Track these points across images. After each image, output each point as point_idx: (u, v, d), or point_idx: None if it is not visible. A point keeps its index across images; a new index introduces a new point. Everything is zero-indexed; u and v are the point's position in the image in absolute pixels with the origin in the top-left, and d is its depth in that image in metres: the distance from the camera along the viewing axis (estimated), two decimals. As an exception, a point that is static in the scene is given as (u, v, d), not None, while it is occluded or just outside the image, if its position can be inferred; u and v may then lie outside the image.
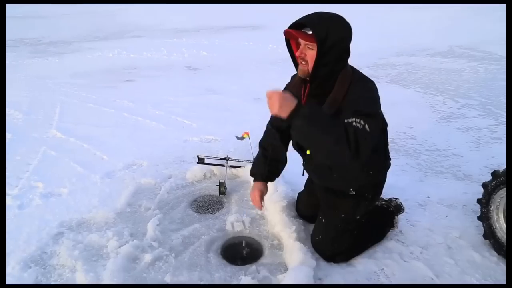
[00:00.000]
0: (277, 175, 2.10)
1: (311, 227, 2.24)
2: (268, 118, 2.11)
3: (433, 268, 1.95)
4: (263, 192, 1.99)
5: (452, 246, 2.09)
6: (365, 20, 11.92)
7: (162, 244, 2.08)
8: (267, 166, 1.99)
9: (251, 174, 2.08)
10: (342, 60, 1.63)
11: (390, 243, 2.13)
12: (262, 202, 1.98)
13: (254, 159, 2.14)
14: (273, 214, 2.29)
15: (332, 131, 1.40)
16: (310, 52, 1.57)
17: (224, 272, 1.92)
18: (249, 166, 2.81)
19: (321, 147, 1.48)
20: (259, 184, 2.01)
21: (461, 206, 2.44)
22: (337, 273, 1.92)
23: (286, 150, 2.09)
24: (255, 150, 2.88)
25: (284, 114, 1.39)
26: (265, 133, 2.12)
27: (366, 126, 1.42)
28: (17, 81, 5.70)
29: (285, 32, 1.61)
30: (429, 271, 1.93)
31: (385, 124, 1.82)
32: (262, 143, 2.10)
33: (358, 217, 1.97)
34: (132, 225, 2.23)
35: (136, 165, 2.97)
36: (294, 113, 1.39)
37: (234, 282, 1.85)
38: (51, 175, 2.78)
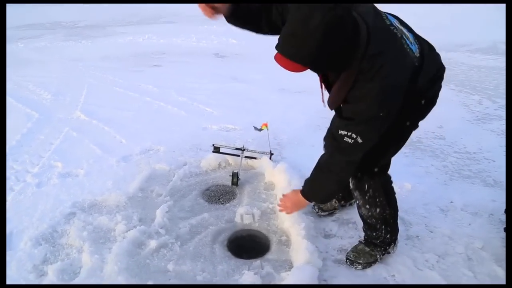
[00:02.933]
0: None
1: (322, 224, 2.17)
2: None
3: (448, 279, 1.83)
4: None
5: (473, 258, 1.95)
6: (400, 11, 11.36)
7: (169, 231, 2.08)
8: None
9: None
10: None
11: (404, 248, 2.02)
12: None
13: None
14: (284, 209, 2.23)
15: (329, 182, 1.64)
16: None
17: (227, 265, 1.89)
18: (265, 158, 2.78)
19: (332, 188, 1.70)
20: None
21: (487, 215, 2.27)
22: (344, 276, 1.84)
23: None
24: (273, 141, 2.81)
25: (304, 206, 1.82)
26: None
27: (358, 138, 1.41)
28: (50, 62, 5.92)
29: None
30: (443, 282, 1.81)
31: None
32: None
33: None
34: (142, 210, 2.25)
35: (152, 150, 2.97)
36: (306, 199, 1.74)
37: (236, 276, 1.82)
38: (71, 155, 2.85)
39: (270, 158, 2.75)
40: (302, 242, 1.92)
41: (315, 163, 1.69)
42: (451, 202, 2.41)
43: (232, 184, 2.52)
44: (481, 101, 4.28)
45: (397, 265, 1.90)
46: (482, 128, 3.56)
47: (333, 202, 2.25)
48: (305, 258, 1.81)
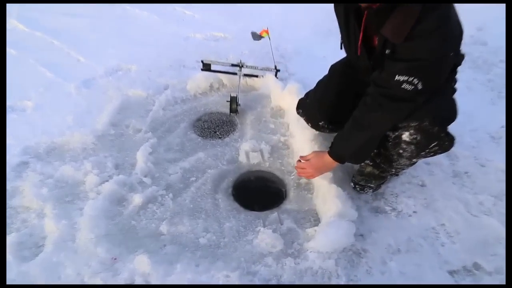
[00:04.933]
0: None
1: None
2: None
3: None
4: None
5: (536, 198, 1.75)
6: None
7: (156, 180, 1.80)
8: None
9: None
10: None
11: (452, 189, 1.82)
12: None
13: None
14: (300, 143, 1.94)
15: (368, 133, 1.48)
16: None
17: (236, 221, 1.64)
18: (269, 76, 2.41)
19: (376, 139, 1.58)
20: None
21: (547, 142, 2.03)
22: (384, 228, 1.63)
23: None
24: (276, 52, 2.44)
25: (330, 169, 1.65)
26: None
27: (419, 84, 1.29)
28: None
29: None
30: (504, 232, 1.61)
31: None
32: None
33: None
34: (117, 153, 1.93)
35: (122, 71, 2.60)
36: (338, 161, 1.57)
37: (250, 236, 1.57)
38: (12, 82, 2.36)
39: (276, 76, 2.45)
40: (330, 188, 1.65)
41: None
42: (502, 126, 2.17)
43: (231, 111, 2.24)
44: (525, -6, 3.79)
45: (448, 210, 1.71)
46: (530, 29, 3.15)
47: None
48: (337, 209, 1.56)
